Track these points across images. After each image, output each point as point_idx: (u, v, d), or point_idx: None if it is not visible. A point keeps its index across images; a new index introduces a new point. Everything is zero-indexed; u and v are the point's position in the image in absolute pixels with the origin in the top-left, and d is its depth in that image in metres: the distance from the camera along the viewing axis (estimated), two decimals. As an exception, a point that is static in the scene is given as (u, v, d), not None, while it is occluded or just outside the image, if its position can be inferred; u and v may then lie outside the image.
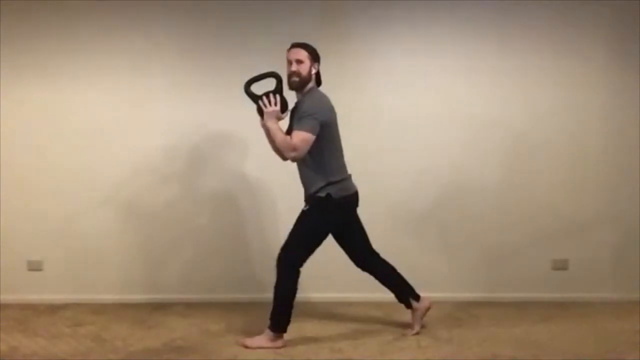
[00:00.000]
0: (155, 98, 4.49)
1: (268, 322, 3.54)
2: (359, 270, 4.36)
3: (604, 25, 4.42)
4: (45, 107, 4.50)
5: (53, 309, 4.34)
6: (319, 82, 3.59)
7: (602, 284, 4.48)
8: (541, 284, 4.47)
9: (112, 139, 4.49)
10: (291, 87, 3.51)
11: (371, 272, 3.79)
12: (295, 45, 3.53)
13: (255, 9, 4.44)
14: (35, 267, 4.53)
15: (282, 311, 3.51)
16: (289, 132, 3.50)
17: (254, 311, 4.15)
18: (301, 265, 3.53)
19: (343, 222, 3.64)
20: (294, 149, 3.39)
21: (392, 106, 4.45)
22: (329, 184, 3.49)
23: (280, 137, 3.42)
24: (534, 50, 4.42)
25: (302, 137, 3.39)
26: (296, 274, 3.52)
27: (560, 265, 4.48)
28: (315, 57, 3.54)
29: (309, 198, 3.55)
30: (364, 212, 4.44)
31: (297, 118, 3.47)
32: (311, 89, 3.52)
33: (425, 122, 4.45)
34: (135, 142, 4.49)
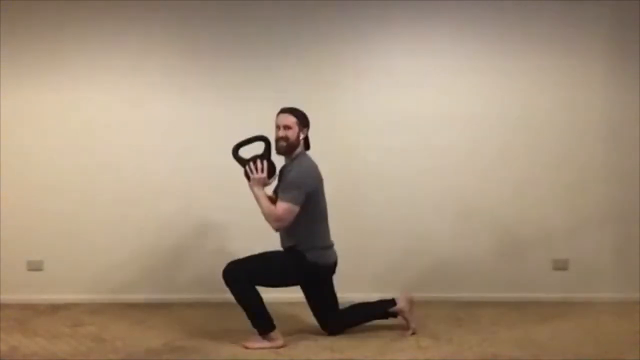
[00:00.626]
0: (156, 98, 4.49)
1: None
2: (359, 270, 4.37)
3: (604, 25, 4.42)
4: (45, 107, 4.50)
5: (53, 309, 4.34)
6: (307, 146, 3.61)
7: (602, 284, 4.48)
8: (541, 284, 4.47)
9: (113, 139, 4.50)
10: (279, 152, 3.53)
11: (343, 330, 3.72)
12: (284, 111, 3.54)
13: (255, 9, 4.44)
14: (35, 267, 4.53)
15: (256, 315, 3.51)
16: (276, 192, 3.55)
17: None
18: (247, 277, 3.46)
19: (313, 284, 3.63)
20: (278, 219, 3.40)
21: (391, 106, 4.46)
22: (306, 249, 3.49)
23: (265, 205, 3.43)
24: (534, 50, 4.43)
25: (286, 208, 3.39)
26: (247, 280, 3.46)
27: (561, 265, 4.48)
28: (303, 122, 3.55)
29: (284, 249, 3.58)
30: (366, 211, 4.45)
31: (282, 187, 3.48)
32: (299, 154, 3.54)
33: (425, 122, 4.45)
34: (136, 142, 4.49)
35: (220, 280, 4.47)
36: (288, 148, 3.50)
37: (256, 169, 3.46)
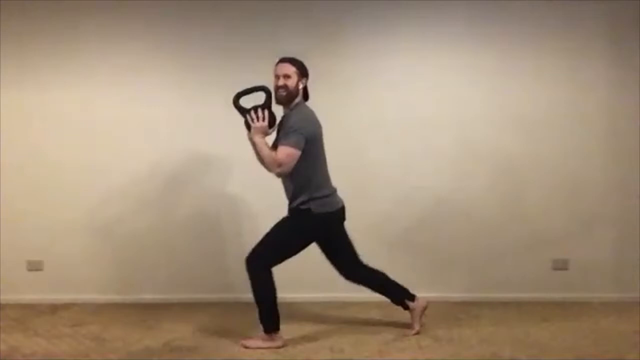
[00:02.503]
0: (158, 97, 4.49)
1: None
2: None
3: (604, 25, 4.42)
4: (45, 107, 4.50)
5: (53, 309, 4.34)
6: (306, 97, 3.60)
7: (602, 284, 4.48)
8: (541, 284, 4.47)
9: (113, 139, 4.50)
10: (278, 102, 3.52)
11: (361, 284, 3.78)
12: (283, 60, 3.54)
13: (255, 10, 4.44)
14: (35, 267, 4.53)
15: (267, 312, 3.52)
16: (275, 145, 3.51)
17: (254, 311, 4.13)
18: (268, 267, 3.51)
19: (326, 237, 3.65)
20: (280, 164, 3.40)
21: (391, 107, 4.45)
22: (311, 199, 3.49)
23: (266, 152, 3.44)
24: (534, 50, 4.42)
25: (288, 152, 3.39)
26: (268, 274, 3.51)
27: (561, 265, 4.48)
28: (303, 72, 3.55)
29: (291, 210, 3.57)
30: (366, 211, 4.45)
31: (283, 133, 3.48)
32: (298, 103, 3.53)
33: (425, 122, 4.45)
34: (136, 142, 4.49)
35: (221, 280, 4.52)
36: (287, 97, 3.49)
37: (257, 117, 3.45)
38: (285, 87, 3.48)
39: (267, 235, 3.56)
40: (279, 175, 3.48)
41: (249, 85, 3.53)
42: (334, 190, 3.63)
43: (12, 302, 4.42)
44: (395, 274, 4.47)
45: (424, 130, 4.46)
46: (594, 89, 4.44)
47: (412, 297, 3.79)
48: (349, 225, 4.40)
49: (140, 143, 4.49)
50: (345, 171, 4.39)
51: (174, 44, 4.49)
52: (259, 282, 3.49)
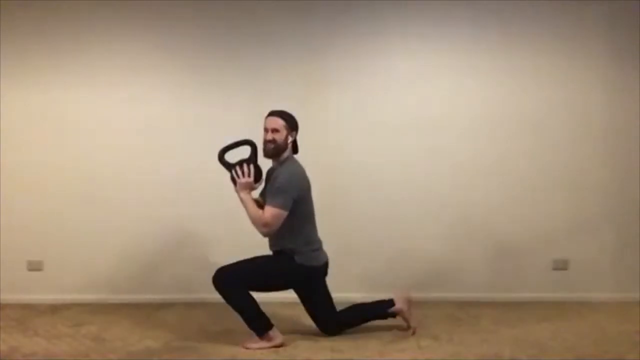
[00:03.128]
0: (156, 98, 4.49)
1: None
2: (359, 270, 4.37)
3: (604, 25, 4.42)
4: (45, 108, 4.51)
5: (53, 309, 4.34)
6: (295, 150, 3.60)
7: (602, 284, 4.48)
8: (541, 284, 4.47)
9: (113, 139, 4.50)
10: (267, 155, 3.52)
11: (341, 330, 3.71)
12: (272, 114, 3.53)
13: (253, 9, 4.44)
14: (35, 267, 4.53)
15: (252, 319, 3.50)
16: (262, 195, 3.56)
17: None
18: (237, 281, 3.46)
19: (307, 289, 3.63)
20: (265, 224, 3.39)
21: (390, 107, 4.46)
22: (296, 251, 3.50)
23: (251, 210, 3.42)
24: (534, 51, 4.43)
25: (274, 213, 3.39)
26: (238, 287, 3.46)
27: (561, 265, 4.48)
28: (292, 125, 3.53)
29: (274, 252, 3.57)
30: (366, 211, 4.45)
31: (270, 191, 3.47)
32: (287, 158, 3.53)
33: (426, 122, 4.46)
34: (136, 143, 4.50)
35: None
36: (275, 151, 3.50)
37: (242, 173, 3.45)
38: (273, 141, 3.48)
39: (243, 260, 3.52)
40: (265, 235, 3.46)
41: (248, 88, 3.52)
42: (321, 245, 3.63)
43: (12, 302, 4.42)
44: (395, 274, 4.49)
45: (422, 131, 4.46)
46: (594, 89, 4.44)
47: (391, 302, 3.76)
48: (345, 227, 4.42)
49: (141, 143, 4.49)
50: (338, 173, 4.41)
51: (174, 44, 4.49)
52: (229, 294, 3.46)
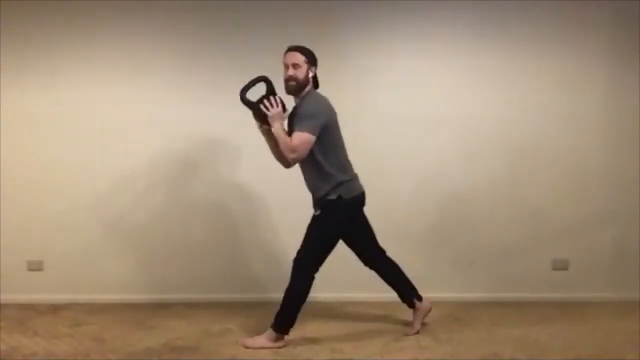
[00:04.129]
0: (156, 98, 4.49)
1: (272, 322, 3.53)
2: (359, 270, 4.36)
3: (604, 25, 4.42)
4: (45, 108, 4.50)
5: (53, 309, 4.34)
6: (316, 85, 3.55)
7: (602, 284, 4.48)
8: (541, 284, 4.47)
9: (113, 139, 4.49)
10: (288, 92, 3.47)
11: (377, 271, 3.80)
12: (292, 49, 3.48)
13: (256, 10, 4.44)
14: (35, 267, 4.53)
15: (289, 313, 3.50)
16: (289, 134, 3.45)
17: (254, 311, 4.15)
18: (316, 271, 3.50)
19: (352, 222, 3.64)
20: (294, 150, 3.34)
21: (391, 107, 4.45)
22: (337, 185, 3.45)
23: (283, 138, 3.37)
24: (534, 51, 4.42)
25: (302, 139, 3.34)
26: (310, 280, 3.50)
27: (561, 265, 4.48)
28: (312, 60, 3.50)
29: (318, 202, 3.50)
30: (365, 211, 4.45)
31: (296, 120, 3.41)
32: (309, 92, 3.48)
33: (426, 123, 4.45)
34: (136, 143, 4.49)
35: (221, 279, 4.52)
36: (297, 87, 3.44)
37: (271, 104, 3.38)
38: (295, 77, 3.42)
39: (308, 237, 3.50)
40: (293, 161, 3.41)
41: (242, 99, 3.46)
42: (356, 175, 3.61)
43: (12, 302, 4.42)
44: (395, 274, 4.47)
45: (423, 130, 4.46)
46: (594, 89, 4.44)
47: (420, 297, 3.82)
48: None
49: (141, 143, 4.49)
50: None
51: (175, 44, 4.49)
52: (298, 284, 3.46)
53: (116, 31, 4.48)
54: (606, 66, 4.43)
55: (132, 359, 3.39)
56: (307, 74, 3.46)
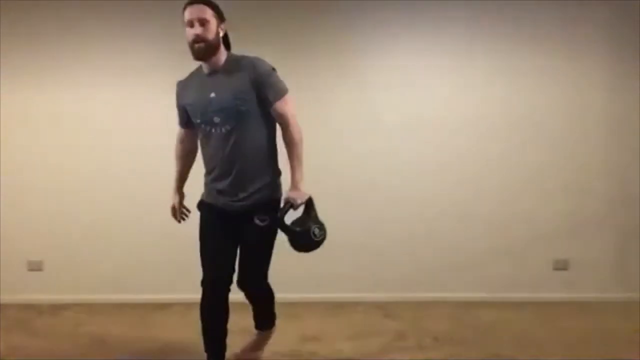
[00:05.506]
0: (157, 98, 4.48)
1: (257, 329, 3.29)
2: (359, 270, 4.37)
3: (604, 25, 4.42)
4: (45, 107, 4.50)
5: (53, 309, 4.34)
6: (227, 46, 2.88)
7: (602, 284, 4.48)
8: (541, 284, 4.47)
9: (113, 139, 4.50)
10: (197, 57, 2.75)
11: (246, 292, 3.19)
12: (196, 1, 2.74)
13: (257, 9, 4.44)
14: (35, 267, 4.53)
15: (274, 307, 3.22)
16: (269, 105, 2.74)
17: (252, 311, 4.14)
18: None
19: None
20: (294, 115, 2.76)
21: (391, 107, 4.45)
22: (276, 178, 2.86)
23: (300, 148, 2.76)
24: (534, 51, 4.42)
25: (291, 100, 2.76)
26: (268, 285, 3.09)
27: (561, 266, 4.48)
28: (220, 15, 2.83)
29: (261, 201, 2.79)
30: (366, 210, 4.45)
31: (266, 81, 2.71)
32: (228, 54, 2.83)
33: (426, 122, 4.45)
34: (136, 143, 4.49)
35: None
36: (207, 50, 2.73)
37: (291, 207, 2.76)
38: (204, 37, 2.70)
39: (258, 253, 2.93)
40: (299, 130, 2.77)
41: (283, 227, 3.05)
42: None
43: (12, 302, 4.42)
44: (396, 274, 4.49)
45: (423, 130, 4.46)
46: (595, 90, 4.44)
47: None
48: (345, 224, 4.40)
49: (141, 143, 4.49)
50: (338, 173, 4.40)
51: (176, 44, 4.48)
52: (269, 295, 3.13)
53: (116, 31, 4.47)
54: (606, 66, 4.43)
55: (132, 359, 3.39)
56: (218, 31, 2.77)
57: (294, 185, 2.74)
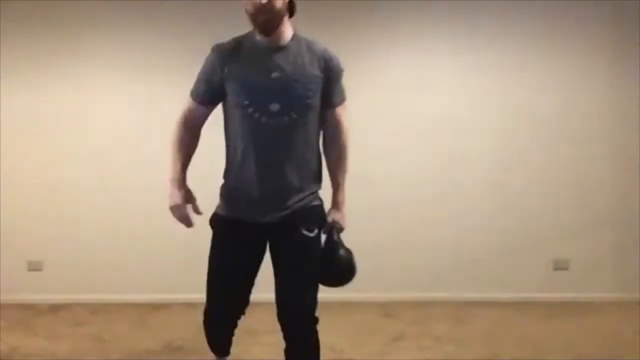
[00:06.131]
0: (156, 99, 4.49)
1: None
2: (359, 269, 4.34)
3: (604, 25, 4.42)
4: (45, 108, 4.50)
5: (53, 309, 4.34)
6: (292, 12, 2.33)
7: (602, 284, 4.48)
8: (542, 284, 4.47)
9: (113, 139, 4.49)
10: (263, 30, 2.22)
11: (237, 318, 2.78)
12: None
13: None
14: (35, 267, 4.53)
15: None
16: (327, 103, 2.34)
17: (254, 311, 4.14)
18: None
19: None
20: (346, 129, 2.43)
21: (391, 107, 4.45)
22: (319, 185, 2.44)
23: (346, 161, 2.52)
24: (534, 51, 4.42)
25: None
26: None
27: (561, 265, 4.48)
28: None
29: (306, 212, 2.33)
30: (366, 210, 4.45)
31: (332, 80, 2.31)
32: (294, 33, 2.31)
33: (426, 122, 4.45)
34: (136, 143, 4.49)
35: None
36: (275, 21, 2.20)
37: (336, 230, 2.50)
38: (270, 6, 2.17)
39: (303, 269, 2.39)
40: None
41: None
42: None
43: (12, 302, 4.42)
44: (396, 274, 4.48)
45: (423, 130, 4.46)
46: (595, 90, 4.44)
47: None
48: (350, 227, 4.39)
49: (142, 143, 4.48)
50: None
51: (176, 44, 4.49)
52: (317, 344, 2.60)
53: (117, 31, 4.47)
54: (607, 66, 4.43)
55: (132, 359, 3.39)
56: None
57: (339, 206, 2.44)
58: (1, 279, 4.50)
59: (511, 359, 3.34)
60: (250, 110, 2.25)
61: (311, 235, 2.30)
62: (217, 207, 2.62)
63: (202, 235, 4.67)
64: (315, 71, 2.27)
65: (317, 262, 2.37)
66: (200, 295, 4.50)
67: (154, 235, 4.51)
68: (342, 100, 2.38)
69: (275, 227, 2.32)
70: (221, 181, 2.69)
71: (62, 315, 4.22)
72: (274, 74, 2.23)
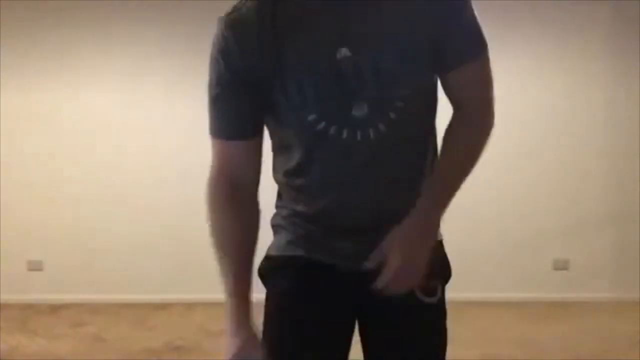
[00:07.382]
0: (155, 98, 4.49)
1: None
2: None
3: (604, 25, 4.42)
4: (45, 108, 4.50)
5: (53, 309, 4.34)
6: None
7: (602, 284, 4.48)
8: (541, 284, 4.47)
9: (113, 139, 4.50)
10: None
11: None
12: None
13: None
14: (35, 267, 4.53)
15: None
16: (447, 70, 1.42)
17: (254, 311, 4.14)
18: None
19: None
20: (493, 97, 1.57)
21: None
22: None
23: (462, 160, 1.48)
24: (534, 50, 4.42)
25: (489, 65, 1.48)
26: None
27: (561, 265, 4.48)
28: None
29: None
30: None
31: (447, 27, 1.35)
32: None
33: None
34: (136, 143, 4.49)
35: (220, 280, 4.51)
36: None
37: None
38: None
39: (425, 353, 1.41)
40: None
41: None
42: None
43: (12, 302, 4.42)
44: (395, 274, 4.47)
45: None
46: (596, 89, 4.44)
47: None
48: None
49: (142, 143, 4.49)
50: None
51: (176, 44, 4.49)
52: None
53: (117, 31, 4.48)
54: (607, 66, 4.43)
55: (132, 359, 3.39)
56: None
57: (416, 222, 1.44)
58: (1, 279, 4.50)
59: (510, 359, 3.34)
60: (317, 127, 1.34)
61: (432, 300, 1.42)
62: (273, 249, 1.60)
63: (202, 234, 4.66)
64: (414, 24, 1.33)
65: (443, 336, 1.46)
66: (200, 295, 4.53)
67: (155, 236, 4.52)
68: (476, 50, 1.42)
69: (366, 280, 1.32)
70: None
71: (62, 315, 4.22)
72: (342, 50, 1.30)
